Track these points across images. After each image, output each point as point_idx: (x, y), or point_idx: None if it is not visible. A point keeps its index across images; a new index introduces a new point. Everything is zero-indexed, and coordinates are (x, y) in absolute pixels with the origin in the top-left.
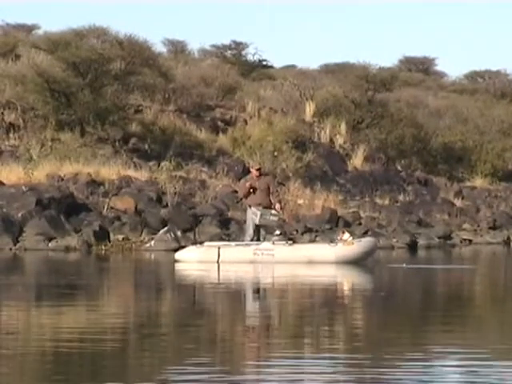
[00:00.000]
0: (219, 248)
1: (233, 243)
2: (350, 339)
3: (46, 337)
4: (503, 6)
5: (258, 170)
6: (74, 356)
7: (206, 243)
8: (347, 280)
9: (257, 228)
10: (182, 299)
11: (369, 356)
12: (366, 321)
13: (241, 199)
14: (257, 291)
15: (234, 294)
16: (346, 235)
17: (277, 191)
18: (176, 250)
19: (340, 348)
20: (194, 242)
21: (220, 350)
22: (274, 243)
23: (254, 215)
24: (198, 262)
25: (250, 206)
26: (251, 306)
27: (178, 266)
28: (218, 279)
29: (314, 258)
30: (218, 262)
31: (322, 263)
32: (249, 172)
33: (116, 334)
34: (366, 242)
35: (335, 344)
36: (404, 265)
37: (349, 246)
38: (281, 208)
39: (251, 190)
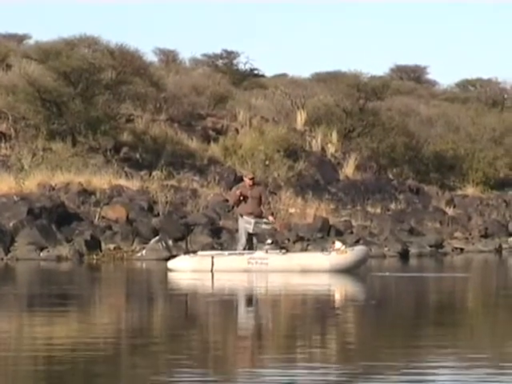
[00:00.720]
0: (213, 257)
1: (226, 252)
2: (341, 348)
3: (38, 347)
4: (495, 15)
5: (252, 179)
6: (65, 365)
7: (200, 252)
8: (340, 288)
9: (249, 237)
10: (176, 308)
11: (360, 365)
12: (358, 330)
13: (232, 207)
14: (251, 300)
15: (229, 304)
16: (338, 244)
17: (268, 203)
18: (167, 259)
19: (332, 356)
20: (187, 252)
21: (212, 358)
22: (267, 252)
23: (247, 224)
24: (191, 271)
25: (241, 215)
26: (246, 315)
27: (171, 275)
28: (212, 288)
29: (309, 266)
30: (211, 271)
31: (316, 272)
32: (240, 181)
33: (107, 343)
34: (359, 250)
35: (327, 352)
36: (387, 273)
37: (342, 254)
38: (274, 219)
39: (241, 199)
